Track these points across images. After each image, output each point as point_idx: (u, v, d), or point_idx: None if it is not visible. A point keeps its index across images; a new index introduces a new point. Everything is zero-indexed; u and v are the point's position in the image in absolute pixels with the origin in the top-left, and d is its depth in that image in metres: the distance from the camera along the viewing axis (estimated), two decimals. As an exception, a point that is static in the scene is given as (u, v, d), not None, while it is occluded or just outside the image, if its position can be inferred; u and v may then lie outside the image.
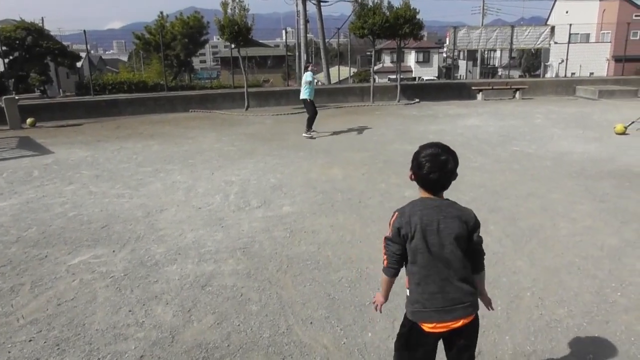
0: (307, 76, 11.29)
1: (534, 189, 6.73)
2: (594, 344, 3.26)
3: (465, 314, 2.17)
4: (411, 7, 16.91)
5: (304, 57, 24.02)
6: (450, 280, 2.15)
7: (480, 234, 2.24)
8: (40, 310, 3.78)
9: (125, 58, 76.06)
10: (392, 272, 2.26)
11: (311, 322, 3.61)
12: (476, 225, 2.20)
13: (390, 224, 2.23)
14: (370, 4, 16.95)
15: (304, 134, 11.18)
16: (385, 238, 2.23)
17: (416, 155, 2.22)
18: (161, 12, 33.48)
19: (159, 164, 8.71)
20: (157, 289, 4.09)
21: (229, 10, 15.43)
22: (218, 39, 43.22)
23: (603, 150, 9.10)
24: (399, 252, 2.19)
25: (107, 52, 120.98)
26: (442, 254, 2.13)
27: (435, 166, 2.13)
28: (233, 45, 16.89)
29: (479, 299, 2.28)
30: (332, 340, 3.40)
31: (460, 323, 2.17)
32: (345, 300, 3.90)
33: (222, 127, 12.86)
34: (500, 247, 4.85)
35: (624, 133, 10.64)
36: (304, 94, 11.23)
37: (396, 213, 2.23)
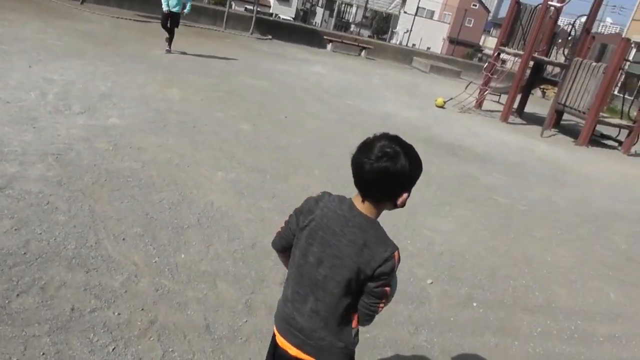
0: None
1: (358, 142, 7.31)
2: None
3: (303, 349, 1.68)
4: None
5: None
6: (310, 306, 1.66)
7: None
8: None
9: None
10: (275, 243, 1.84)
11: (123, 239, 3.52)
12: (379, 274, 1.55)
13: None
14: None
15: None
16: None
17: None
18: None
19: (-42, 42, 7.31)
20: (-60, 185, 3.55)
21: None
22: None
23: (422, 119, 10.21)
24: (287, 232, 1.76)
25: None
26: (314, 271, 1.63)
27: (352, 163, 1.59)
28: None
29: None
30: (143, 258, 3.38)
31: (293, 352, 1.70)
32: (163, 221, 3.87)
33: (50, 18, 11.15)
34: (322, 189, 5.22)
35: (442, 107, 12.05)
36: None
37: (310, 196, 1.74)
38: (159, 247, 3.54)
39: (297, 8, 58.15)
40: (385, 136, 1.59)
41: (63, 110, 5.58)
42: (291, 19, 46.94)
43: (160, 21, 10.72)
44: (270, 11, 52.94)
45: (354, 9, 50.73)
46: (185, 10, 10.71)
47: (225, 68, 10.49)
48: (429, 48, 37.39)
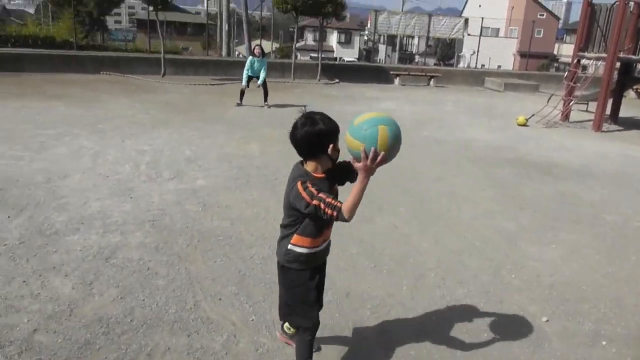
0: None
1: (442, 174, 7.08)
2: (489, 323, 3.50)
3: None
4: (336, -13, 16.88)
5: (225, 27, 23.26)
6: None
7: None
8: None
9: (32, 10, 69.15)
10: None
11: (220, 299, 3.55)
12: (291, 187, 2.37)
13: (309, 186, 2.29)
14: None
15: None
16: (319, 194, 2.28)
17: None
18: (73, -37, 30.67)
19: (65, 127, 8.07)
20: (55, 260, 3.82)
21: (146, -31, 14.51)
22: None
23: (505, 140, 9.75)
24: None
25: (11, 2, 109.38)
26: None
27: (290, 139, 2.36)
28: (151, 8, 15.94)
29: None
30: (241, 316, 3.37)
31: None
32: (256, 277, 3.88)
33: (136, 94, 12.16)
34: (409, 228, 5.06)
35: (525, 124, 11.47)
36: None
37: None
38: (255, 304, 3.53)
39: (359, 48, 59.29)
40: (302, 115, 2.38)
41: (155, 178, 5.91)
42: (355, 60, 47.84)
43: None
44: (334, 55, 54.36)
45: (415, 40, 50.77)
46: (259, 82, 11.68)
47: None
48: (499, 66, 36.31)
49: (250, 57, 11.87)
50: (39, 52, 16.12)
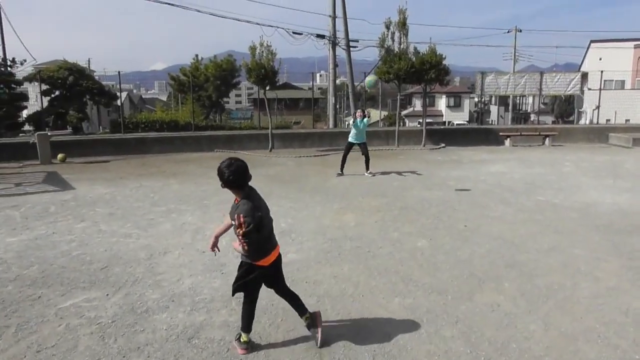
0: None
1: (556, 243, 6.34)
2: None
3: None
4: (437, 53, 16.94)
5: (332, 100, 24.23)
6: None
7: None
8: (17, 356, 3.65)
9: (165, 98, 78.99)
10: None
11: (297, 385, 3.35)
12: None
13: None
14: (397, 49, 17.07)
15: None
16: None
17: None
18: (196, 55, 34.61)
19: (174, 203, 8.68)
20: (141, 339, 3.91)
21: (256, 54, 15.77)
22: (251, 81, 44.35)
23: (635, 202, 8.61)
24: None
25: (148, 92, 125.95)
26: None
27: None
28: (262, 88, 17.18)
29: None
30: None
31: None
32: (337, 361, 3.62)
33: (243, 168, 12.85)
34: (514, 307, 4.50)
35: (658, 185, 10.10)
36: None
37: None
38: (333, 393, 3.27)
39: (469, 111, 58.20)
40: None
41: (248, 252, 5.99)
42: (466, 123, 46.85)
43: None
44: (443, 119, 53.82)
45: (529, 99, 48.67)
46: (362, 141, 11.85)
47: (399, 185, 10.53)
48: (627, 120, 33.15)
49: (352, 121, 12.02)
50: (160, 135, 17.99)
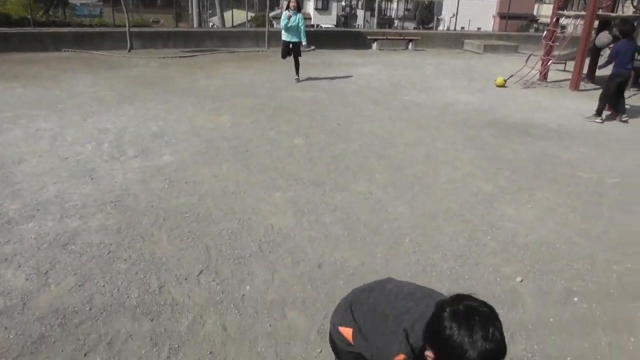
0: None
1: (420, 138, 6.91)
2: (464, 286, 3.41)
3: None
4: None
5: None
6: None
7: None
8: None
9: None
10: None
11: (186, 279, 3.40)
12: None
13: None
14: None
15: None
16: None
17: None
18: None
19: (22, 109, 7.66)
20: (7, 251, 3.60)
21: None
22: (100, -29, 38.91)
23: (484, 102, 9.59)
24: None
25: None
26: None
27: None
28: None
29: None
30: (207, 296, 3.23)
31: None
32: (224, 253, 3.73)
33: (100, 70, 11.63)
34: (385, 194, 4.92)
35: (503, 86, 11.30)
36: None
37: None
38: (222, 281, 3.39)
39: (337, 15, 58.16)
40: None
41: (118, 157, 5.65)
42: (333, 26, 46.87)
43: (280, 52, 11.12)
44: (312, 23, 53.23)
45: (394, 4, 49.92)
46: (304, 40, 10.81)
47: (271, 86, 10.43)
48: (479, 28, 35.84)
49: (285, 12, 10.65)
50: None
